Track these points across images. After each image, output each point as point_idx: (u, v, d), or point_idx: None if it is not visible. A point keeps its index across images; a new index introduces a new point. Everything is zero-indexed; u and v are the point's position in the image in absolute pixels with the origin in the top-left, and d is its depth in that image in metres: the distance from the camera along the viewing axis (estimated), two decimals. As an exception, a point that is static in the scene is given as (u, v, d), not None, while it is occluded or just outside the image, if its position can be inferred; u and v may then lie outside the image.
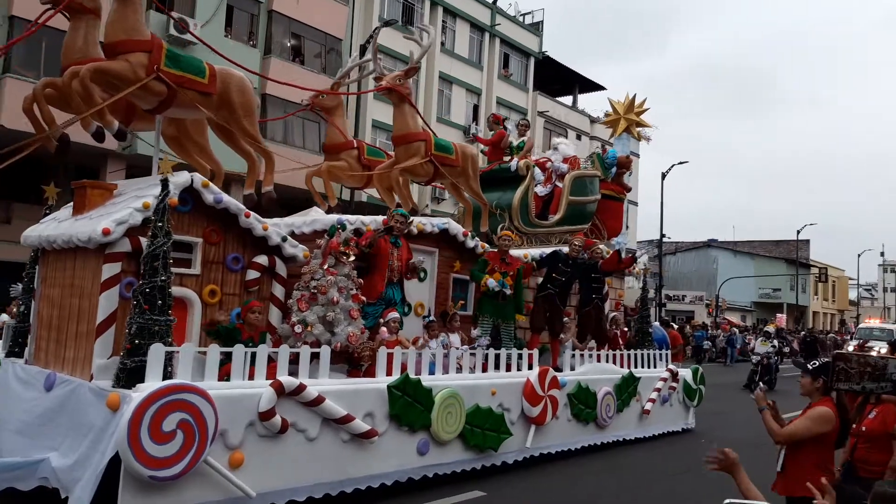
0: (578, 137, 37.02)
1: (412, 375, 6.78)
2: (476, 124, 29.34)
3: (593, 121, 37.84)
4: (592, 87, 39.29)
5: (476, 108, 31.06)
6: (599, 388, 9.28)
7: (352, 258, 6.73)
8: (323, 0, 23.26)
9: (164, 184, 5.40)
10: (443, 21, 29.86)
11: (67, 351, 5.95)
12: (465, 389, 7.28)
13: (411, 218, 7.45)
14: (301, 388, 5.71)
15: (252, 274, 6.53)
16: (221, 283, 6.35)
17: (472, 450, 7.35)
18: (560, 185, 11.14)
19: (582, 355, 9.40)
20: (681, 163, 35.92)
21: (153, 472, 4.77)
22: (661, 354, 11.04)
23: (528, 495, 7.01)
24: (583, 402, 8.96)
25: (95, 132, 5.79)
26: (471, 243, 8.66)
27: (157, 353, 5.03)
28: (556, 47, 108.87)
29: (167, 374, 5.15)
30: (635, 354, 10.41)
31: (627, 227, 40.95)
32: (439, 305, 8.45)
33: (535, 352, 8.52)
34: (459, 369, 7.49)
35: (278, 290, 6.75)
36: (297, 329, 6.36)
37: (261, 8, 22.04)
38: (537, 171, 10.89)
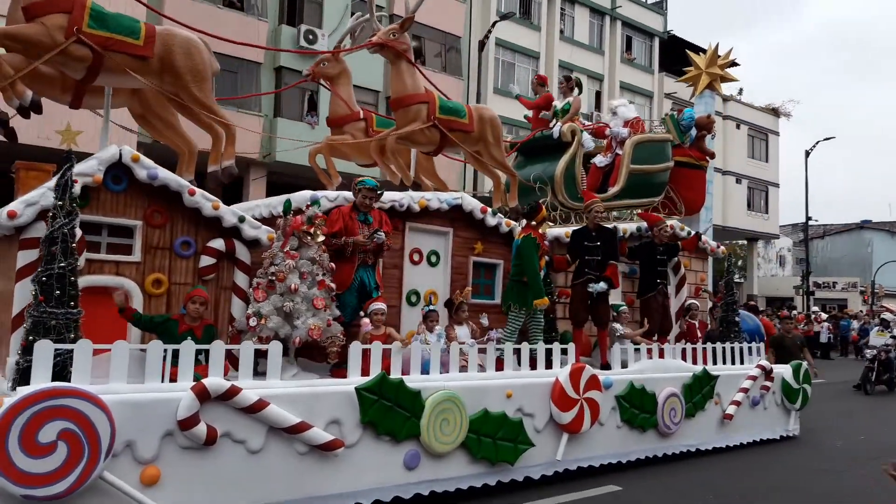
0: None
1: (396, 375, 5.78)
2: (598, 111, 28.03)
3: (725, 99, 35.36)
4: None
5: (598, 95, 30.39)
6: (661, 390, 7.81)
7: (320, 238, 5.81)
8: (441, -1, 23.11)
9: (67, 157, 4.72)
10: (561, 9, 29.93)
11: (2, 348, 5.47)
12: (469, 391, 6.16)
13: (380, 190, 6.39)
14: (233, 391, 4.86)
15: (206, 260, 5.80)
16: (169, 271, 5.66)
17: (479, 463, 6.22)
18: (621, 152, 9.65)
19: (637, 350, 7.97)
20: (826, 139, 32.71)
21: (27, 491, 4.08)
22: (749, 348, 9.30)
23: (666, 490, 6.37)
24: (637, 406, 7.55)
25: None
26: (492, 220, 7.51)
27: (43, 351, 4.35)
28: (681, 25, 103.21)
29: (63, 376, 4.46)
30: (713, 349, 8.79)
31: (768, 210, 37.81)
32: (454, 292, 7.35)
33: (571, 346, 7.23)
34: (466, 368, 6.39)
35: (241, 279, 5.98)
36: (252, 322, 5.54)
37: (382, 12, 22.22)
38: (587, 137, 9.45)
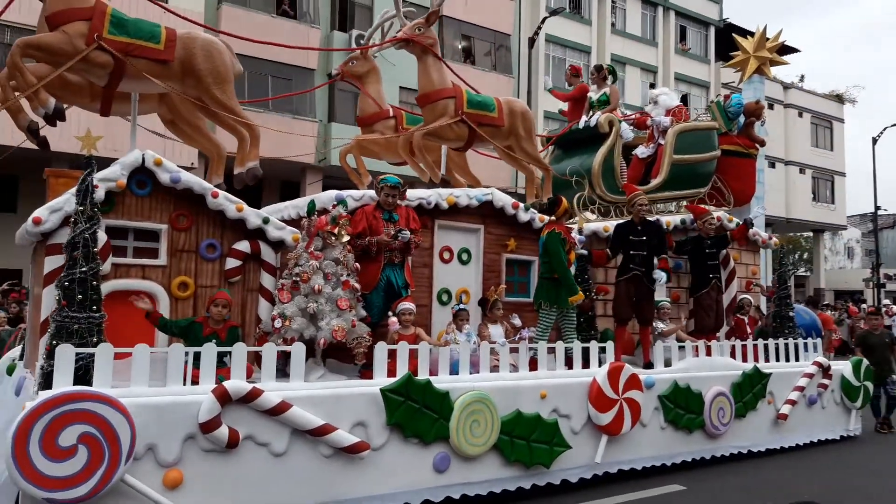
0: (771, 107, 33.73)
1: (424, 376, 5.65)
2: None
3: (786, 87, 34.21)
4: (782, 50, 35.27)
5: (652, 87, 29.48)
6: (708, 389, 7.47)
7: (345, 238, 5.73)
8: (490, -3, 23.19)
9: (87, 162, 4.76)
10: (612, 1, 29.72)
11: (35, 351, 5.57)
12: (501, 392, 5.99)
13: (403, 187, 6.25)
14: (254, 393, 4.81)
15: (232, 262, 5.79)
16: (195, 275, 5.67)
17: (513, 466, 6.04)
18: (663, 142, 9.29)
19: (682, 348, 7.64)
20: (895, 125, 31.14)
21: (50, 495, 4.11)
22: (805, 344, 8.83)
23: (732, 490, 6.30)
24: (682, 406, 7.23)
25: (28, 128, 5.31)
26: (524, 216, 7.31)
27: (64, 355, 4.39)
28: (738, 12, 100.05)
29: (86, 380, 4.49)
30: (765, 345, 8.37)
31: (835, 200, 36.16)
32: (488, 292, 7.18)
33: (609, 345, 6.97)
34: (498, 368, 6.22)
35: (267, 280, 5.95)
36: (277, 324, 5.50)
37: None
38: (625, 127, 9.12)
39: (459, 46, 23.61)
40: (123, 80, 5.55)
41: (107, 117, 6.26)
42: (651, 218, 8.44)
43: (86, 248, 4.63)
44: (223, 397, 4.70)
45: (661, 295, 8.77)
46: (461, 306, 6.44)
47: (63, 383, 4.37)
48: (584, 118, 9.12)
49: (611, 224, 7.85)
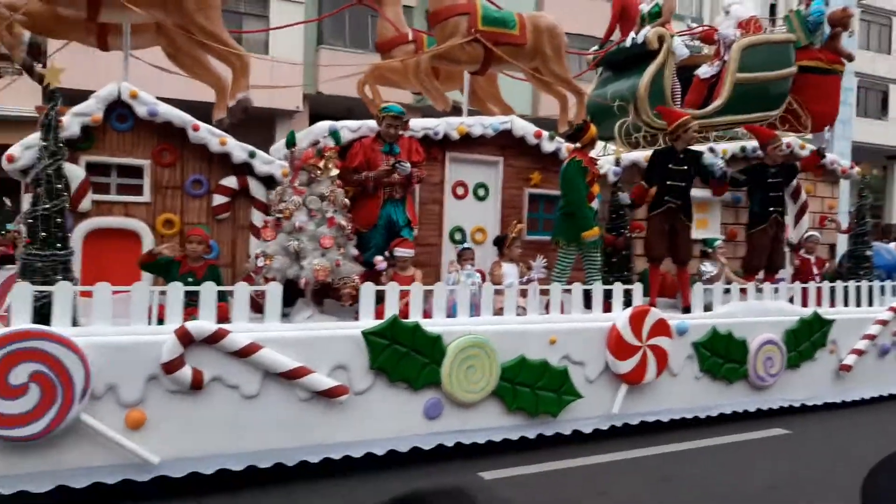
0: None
1: (416, 318, 5.27)
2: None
3: None
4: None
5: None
6: (754, 336, 6.67)
7: (333, 172, 5.34)
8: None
9: (51, 95, 4.57)
10: None
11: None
12: (503, 337, 5.53)
13: (406, 116, 5.71)
14: (220, 334, 4.60)
15: (219, 199, 5.55)
16: (181, 212, 5.48)
17: (515, 415, 5.62)
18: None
19: (728, 290, 6.83)
20: None
21: (3, 432, 4.09)
22: (881, 287, 7.73)
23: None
24: (721, 355, 6.51)
25: (23, 64, 5.18)
26: (549, 146, 6.63)
27: (21, 293, 4.30)
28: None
29: (49, 319, 4.41)
30: (831, 288, 7.38)
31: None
32: (507, 229, 6.64)
33: (637, 286, 6.29)
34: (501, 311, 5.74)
35: (257, 218, 5.70)
36: (259, 262, 5.24)
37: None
38: (678, 43, 8.01)
39: None
40: (103, 9, 5.29)
41: (107, 52, 6.07)
42: (709, 145, 7.51)
43: (49, 185, 4.49)
44: (185, 337, 4.51)
45: (715, 232, 7.90)
46: (465, 245, 5.95)
47: (21, 321, 4.29)
48: (631, 34, 8.13)
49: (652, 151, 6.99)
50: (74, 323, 4.57)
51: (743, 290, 6.88)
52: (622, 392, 6.04)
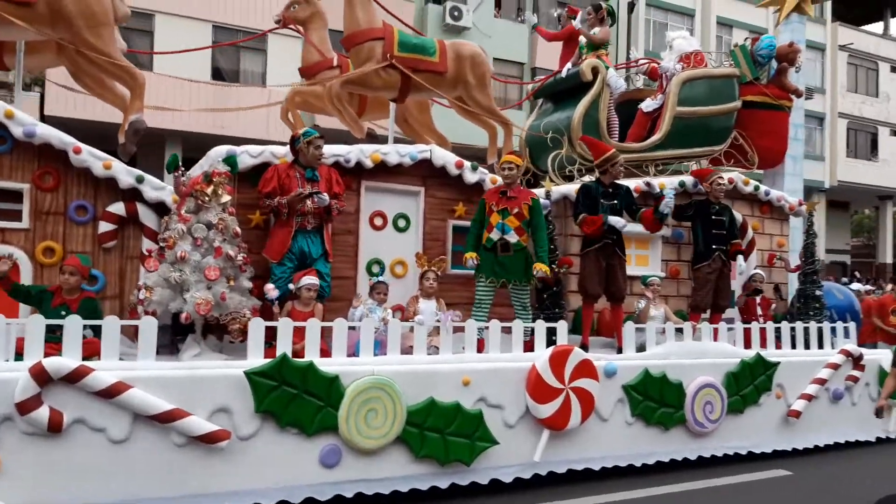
0: (895, 70, 30.48)
1: (312, 358, 4.96)
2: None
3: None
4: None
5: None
6: (691, 379, 6.39)
7: (224, 199, 5.08)
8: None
9: None
10: None
11: None
12: (410, 377, 5.23)
13: (321, 140, 5.51)
14: (80, 372, 4.28)
15: (105, 226, 5.28)
16: (63, 239, 5.19)
17: (423, 462, 5.27)
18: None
19: (663, 331, 6.56)
20: None
21: None
22: (832, 329, 7.50)
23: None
24: (655, 399, 6.22)
25: None
26: (472, 177, 6.42)
27: None
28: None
29: None
30: (776, 329, 7.15)
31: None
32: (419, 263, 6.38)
33: (560, 325, 6.02)
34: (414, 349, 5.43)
35: (148, 246, 5.38)
36: (142, 295, 4.93)
37: (528, -19, 22.71)
38: (613, 75, 7.89)
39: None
40: (-4, 27, 5.08)
41: (5, 70, 5.85)
42: (651, 179, 7.34)
43: None
44: (40, 375, 4.20)
45: (655, 269, 7.68)
46: (378, 279, 5.67)
47: None
48: (568, 65, 8.02)
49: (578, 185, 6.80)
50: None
51: (679, 330, 6.61)
52: (544, 438, 5.72)
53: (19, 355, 4.40)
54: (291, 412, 4.84)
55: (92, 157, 5.09)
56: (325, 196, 5.55)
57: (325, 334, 5.19)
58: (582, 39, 8.11)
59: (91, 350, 4.64)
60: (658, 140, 7.87)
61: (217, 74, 18.29)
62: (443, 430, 5.33)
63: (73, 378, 4.28)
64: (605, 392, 5.99)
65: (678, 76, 7.98)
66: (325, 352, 5.17)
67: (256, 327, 4.91)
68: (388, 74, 6.20)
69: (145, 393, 4.44)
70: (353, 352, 5.35)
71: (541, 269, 6.03)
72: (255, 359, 4.89)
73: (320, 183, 5.54)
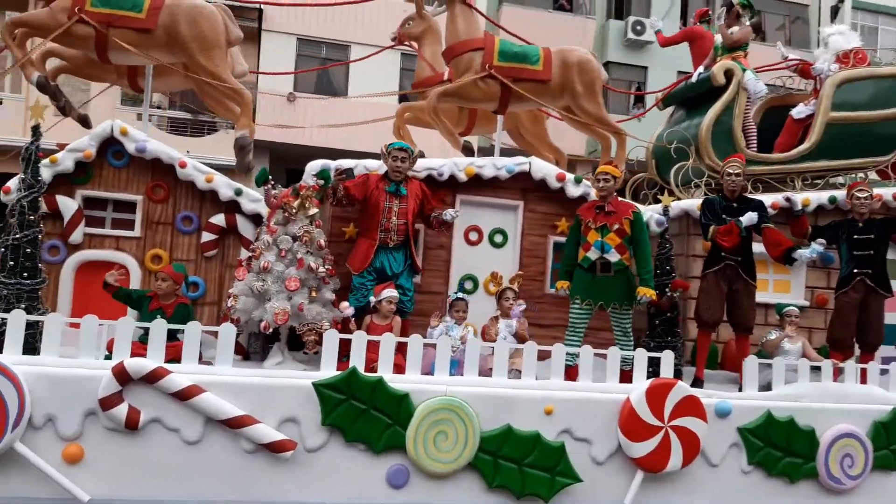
0: None
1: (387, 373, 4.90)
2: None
3: None
4: None
5: None
6: (827, 426, 5.53)
7: (312, 212, 5.19)
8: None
9: (34, 130, 4.86)
10: None
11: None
12: (487, 401, 4.99)
13: (415, 152, 5.42)
14: (158, 373, 4.53)
15: (207, 236, 5.60)
16: (170, 247, 5.58)
17: (496, 493, 5.00)
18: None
19: (795, 370, 5.74)
20: None
21: (-68, 454, 4.24)
22: None
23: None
24: (779, 446, 5.45)
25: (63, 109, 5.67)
26: (575, 191, 6.05)
27: (-27, 319, 4.51)
28: None
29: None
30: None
31: None
32: (527, 280, 6.09)
33: (666, 354, 5.45)
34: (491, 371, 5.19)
35: (245, 256, 5.62)
36: (229, 303, 5.16)
37: (714, -8, 22.45)
38: (751, 78, 7.01)
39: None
40: (110, 51, 5.60)
41: (139, 92, 6.44)
42: (797, 194, 6.50)
43: (21, 216, 4.73)
44: (121, 375, 4.49)
45: (798, 297, 6.77)
46: (457, 294, 5.48)
47: (-25, 348, 4.49)
48: (699, 69, 7.31)
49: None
50: (34, 352, 4.71)
51: (817, 369, 5.75)
52: (637, 479, 5.20)
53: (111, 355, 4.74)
54: (358, 427, 4.80)
55: (196, 171, 5.44)
56: (450, 212, 5.53)
57: (404, 350, 5.11)
58: (718, 39, 7.37)
59: (177, 353, 4.90)
60: (806, 150, 6.93)
61: (301, 87, 18.16)
62: (520, 460, 5.02)
63: (152, 379, 4.54)
64: (715, 434, 5.33)
65: (832, 77, 6.99)
66: (400, 368, 5.08)
67: (330, 339, 4.94)
68: (486, 85, 6.03)
69: (217, 398, 4.62)
70: (430, 370, 5.21)
71: (646, 293, 5.52)
72: (328, 370, 4.92)
73: (407, 199, 5.48)
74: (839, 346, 6.15)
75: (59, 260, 5.37)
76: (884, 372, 5.95)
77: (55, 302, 5.35)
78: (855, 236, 6.11)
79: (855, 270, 6.06)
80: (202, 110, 11.14)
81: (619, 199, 5.55)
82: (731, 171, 5.77)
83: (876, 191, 6.35)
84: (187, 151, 8.12)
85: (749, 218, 5.62)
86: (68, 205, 5.34)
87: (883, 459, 5.62)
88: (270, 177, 5.22)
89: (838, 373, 5.80)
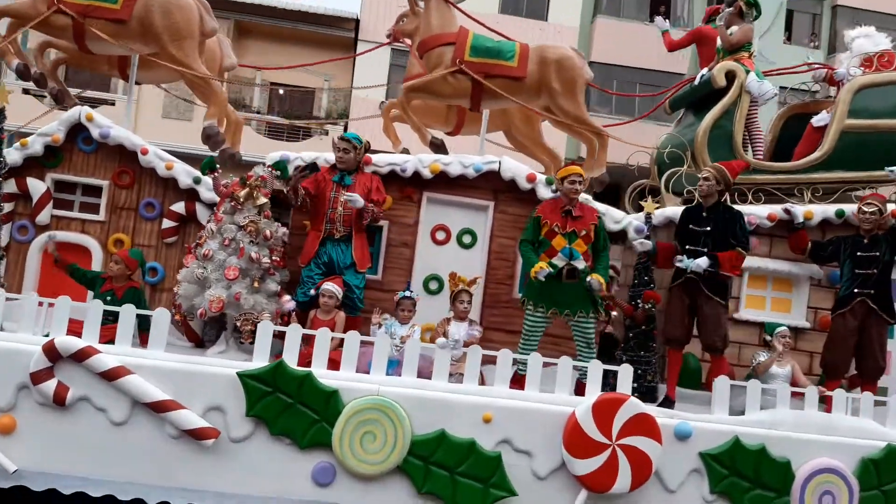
0: None
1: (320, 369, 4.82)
2: None
3: None
4: None
5: None
6: (804, 459, 5.05)
7: (260, 202, 5.18)
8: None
9: (0, 113, 5.06)
10: None
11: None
12: (421, 404, 4.82)
13: (363, 142, 5.31)
14: (85, 352, 4.61)
15: (167, 223, 5.67)
16: (133, 232, 5.69)
17: (426, 499, 4.81)
18: (845, 103, 6.50)
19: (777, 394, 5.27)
20: None
21: None
22: None
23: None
24: (746, 476, 5.02)
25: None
26: (546, 193, 5.77)
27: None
28: None
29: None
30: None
31: None
32: (495, 283, 5.88)
33: (625, 368, 5.11)
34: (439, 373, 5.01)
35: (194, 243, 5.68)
36: (176, 288, 5.21)
37: (823, 6, 21.79)
38: (754, 80, 6.48)
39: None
40: (88, 41, 5.78)
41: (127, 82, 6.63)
42: (803, 206, 6.01)
43: (-16, 200, 4.92)
44: (51, 352, 4.60)
45: (799, 318, 6.25)
46: (406, 293, 5.31)
47: (-82, 317, 4.70)
48: (703, 70, 6.87)
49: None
50: (-2, 327, 4.89)
51: (798, 395, 5.26)
52: (581, 498, 4.89)
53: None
54: (283, 421, 4.73)
55: (157, 159, 5.54)
56: (357, 197, 5.36)
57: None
58: (719, 41, 6.91)
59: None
60: (816, 159, 6.39)
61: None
62: (452, 468, 4.82)
63: (80, 357, 4.62)
64: (673, 457, 4.96)
65: (850, 83, 6.43)
66: (338, 364, 4.98)
67: (263, 330, 4.89)
68: (457, 80, 5.86)
69: (144, 380, 4.65)
70: (369, 369, 5.08)
71: (596, 278, 5.15)
72: (260, 361, 4.87)
73: (354, 188, 5.38)
74: (832, 372, 5.62)
75: (27, 239, 5.59)
76: (878, 405, 5.39)
77: (21, 279, 5.56)
78: (858, 253, 5.57)
79: (855, 290, 5.52)
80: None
81: (580, 202, 5.25)
82: (701, 175, 5.36)
83: (892, 207, 5.78)
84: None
85: (691, 264, 5.23)
86: (38, 187, 5.56)
87: (871, 501, 5.08)
88: (218, 165, 5.25)
89: (831, 402, 5.28)
